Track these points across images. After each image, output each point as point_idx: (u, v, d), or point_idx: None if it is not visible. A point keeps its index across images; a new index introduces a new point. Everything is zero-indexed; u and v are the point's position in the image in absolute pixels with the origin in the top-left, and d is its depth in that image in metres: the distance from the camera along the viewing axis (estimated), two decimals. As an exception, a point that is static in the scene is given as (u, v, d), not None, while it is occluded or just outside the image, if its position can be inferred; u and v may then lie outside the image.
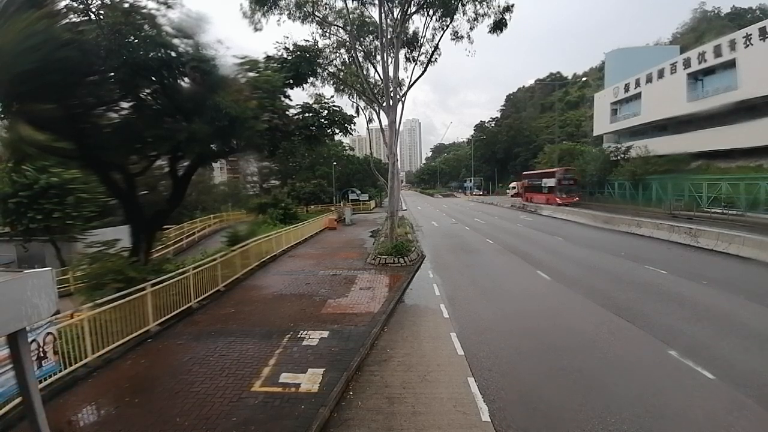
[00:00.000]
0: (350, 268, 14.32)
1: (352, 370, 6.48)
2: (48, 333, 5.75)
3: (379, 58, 18.07)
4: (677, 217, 25.12)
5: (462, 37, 17.93)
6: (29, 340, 4.05)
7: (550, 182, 40.36)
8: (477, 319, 9.03)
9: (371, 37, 19.74)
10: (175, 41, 8.46)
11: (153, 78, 8.62)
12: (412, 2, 16.49)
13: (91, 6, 8.01)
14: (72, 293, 11.35)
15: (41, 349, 5.63)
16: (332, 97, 24.42)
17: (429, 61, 18.35)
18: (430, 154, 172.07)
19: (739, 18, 71.50)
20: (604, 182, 40.66)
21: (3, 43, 6.41)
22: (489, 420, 5.19)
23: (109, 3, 8.09)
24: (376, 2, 16.28)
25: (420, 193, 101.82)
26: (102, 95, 8.71)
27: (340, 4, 18.27)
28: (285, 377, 6.26)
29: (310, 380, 6.13)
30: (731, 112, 30.57)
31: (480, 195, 70.82)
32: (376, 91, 20.37)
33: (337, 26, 19.03)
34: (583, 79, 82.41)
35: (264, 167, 51.24)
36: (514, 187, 62.54)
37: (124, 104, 9.15)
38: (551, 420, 5.14)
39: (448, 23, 17.26)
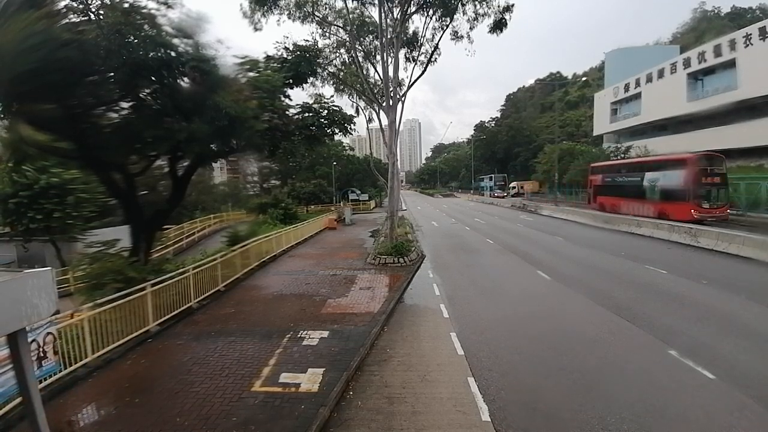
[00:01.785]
0: (350, 268, 14.32)
1: (352, 370, 6.48)
2: (48, 333, 5.75)
3: (379, 58, 18.09)
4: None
5: (462, 36, 17.95)
6: (29, 340, 4.05)
7: (674, 179, 22.33)
8: (477, 319, 9.02)
9: (371, 37, 19.74)
10: (175, 41, 8.46)
11: (153, 78, 8.62)
12: (412, 2, 16.49)
13: (91, 6, 8.01)
14: (72, 293, 11.35)
15: (41, 349, 5.62)
16: (332, 97, 24.44)
17: (429, 61, 18.36)
18: (429, 154, 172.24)
19: (739, 18, 71.58)
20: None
21: (3, 43, 6.41)
22: (489, 420, 5.19)
23: (109, 3, 8.08)
24: (376, 2, 16.28)
25: (420, 193, 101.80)
26: (102, 95, 8.70)
27: (340, 4, 18.31)
28: (285, 377, 6.26)
29: (310, 380, 6.13)
30: (731, 112, 30.63)
31: (502, 197, 57.07)
32: (376, 91, 20.37)
33: (337, 26, 19.04)
34: (583, 79, 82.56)
35: (264, 167, 51.28)
36: (514, 187, 62.64)
37: (124, 104, 9.15)
38: (551, 420, 5.14)
39: (448, 23, 17.27)
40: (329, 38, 19.87)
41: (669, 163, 23.83)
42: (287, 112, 14.88)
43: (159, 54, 8.23)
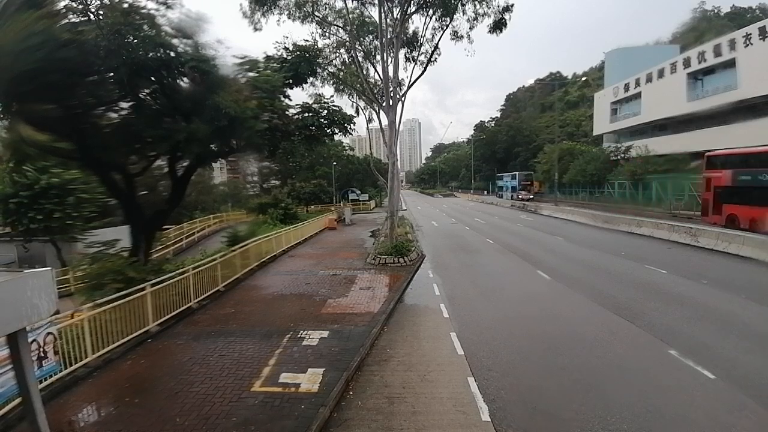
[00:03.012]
0: (350, 268, 14.31)
1: (352, 370, 6.48)
2: (48, 333, 5.75)
3: (378, 58, 18.08)
4: (677, 217, 25.11)
5: (462, 36, 17.97)
6: (29, 340, 4.05)
7: None
8: (477, 318, 9.02)
9: (371, 37, 19.74)
10: (175, 41, 8.48)
11: (152, 78, 8.64)
12: (412, 2, 16.49)
13: (90, 6, 8.01)
14: (72, 293, 11.37)
15: (41, 349, 5.62)
16: (332, 97, 24.37)
17: (429, 61, 18.37)
18: (429, 153, 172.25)
19: (739, 17, 71.46)
20: (604, 182, 40.64)
21: (3, 43, 6.41)
22: (489, 420, 5.18)
23: (109, 3, 8.09)
24: (376, 2, 16.27)
25: (420, 193, 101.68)
26: (102, 95, 8.71)
27: (339, 4, 18.32)
28: (285, 377, 6.26)
29: (310, 380, 6.13)
30: (731, 111, 30.60)
31: (528, 199, 46.49)
32: (375, 91, 20.35)
33: (337, 26, 19.04)
34: (583, 78, 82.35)
35: (264, 167, 51.29)
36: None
37: (124, 104, 9.16)
38: (551, 420, 5.14)
39: (447, 23, 17.28)
40: (329, 38, 19.90)
41: None
42: (287, 112, 14.89)
43: (158, 54, 8.24)
